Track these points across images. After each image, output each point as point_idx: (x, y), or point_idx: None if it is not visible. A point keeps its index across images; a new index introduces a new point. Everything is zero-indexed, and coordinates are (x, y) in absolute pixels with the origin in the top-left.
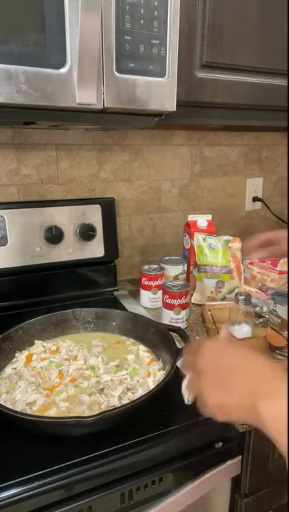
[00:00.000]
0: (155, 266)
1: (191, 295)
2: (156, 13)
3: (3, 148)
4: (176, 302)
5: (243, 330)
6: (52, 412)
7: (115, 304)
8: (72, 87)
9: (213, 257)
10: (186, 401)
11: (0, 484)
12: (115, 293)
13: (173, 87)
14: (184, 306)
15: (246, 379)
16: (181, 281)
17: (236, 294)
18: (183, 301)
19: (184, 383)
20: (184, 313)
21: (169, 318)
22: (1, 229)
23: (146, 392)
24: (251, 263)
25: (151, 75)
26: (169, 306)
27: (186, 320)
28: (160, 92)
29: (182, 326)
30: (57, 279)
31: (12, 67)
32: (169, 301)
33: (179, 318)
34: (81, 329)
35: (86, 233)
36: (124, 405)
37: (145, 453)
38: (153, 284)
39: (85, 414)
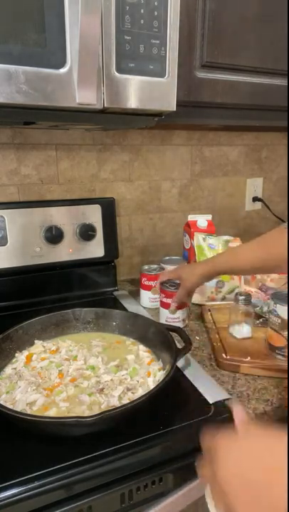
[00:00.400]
0: (155, 266)
1: None
2: (156, 13)
3: (3, 148)
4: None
5: (243, 330)
6: (52, 412)
7: (115, 304)
8: (72, 87)
9: None
10: None
11: (0, 484)
12: (115, 293)
13: (173, 87)
14: (180, 306)
15: None
16: (178, 281)
17: (236, 294)
18: None
19: (207, 494)
20: (179, 313)
21: (165, 317)
22: (1, 229)
23: (146, 392)
24: None
25: (151, 75)
26: (166, 305)
27: (183, 320)
28: (160, 92)
29: (179, 325)
30: (57, 279)
31: (12, 67)
32: (165, 300)
33: (175, 318)
34: (81, 329)
35: (86, 233)
36: (124, 405)
37: (145, 453)
38: (153, 284)
39: (85, 414)
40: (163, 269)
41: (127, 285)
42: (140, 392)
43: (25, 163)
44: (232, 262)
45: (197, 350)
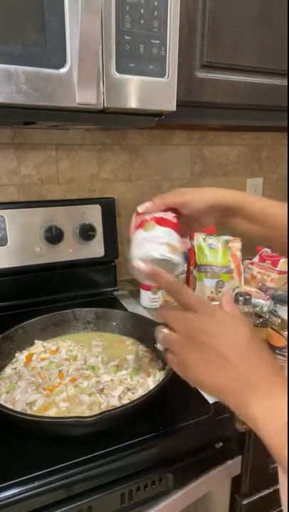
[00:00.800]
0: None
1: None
2: (156, 13)
3: (3, 148)
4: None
5: None
6: (52, 412)
7: (115, 304)
8: (72, 87)
9: (213, 257)
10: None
11: (0, 484)
12: (115, 293)
13: (173, 87)
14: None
15: (242, 368)
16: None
17: (236, 294)
18: None
19: (159, 336)
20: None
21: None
22: (1, 229)
23: (146, 392)
24: (251, 263)
25: (151, 75)
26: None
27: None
28: (160, 92)
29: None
30: (57, 279)
31: (12, 67)
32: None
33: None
34: (81, 329)
35: (86, 233)
36: (124, 405)
37: (145, 453)
38: (153, 284)
39: (85, 414)
40: None
41: (127, 285)
42: (140, 392)
43: (25, 163)
44: (259, 205)
45: None
